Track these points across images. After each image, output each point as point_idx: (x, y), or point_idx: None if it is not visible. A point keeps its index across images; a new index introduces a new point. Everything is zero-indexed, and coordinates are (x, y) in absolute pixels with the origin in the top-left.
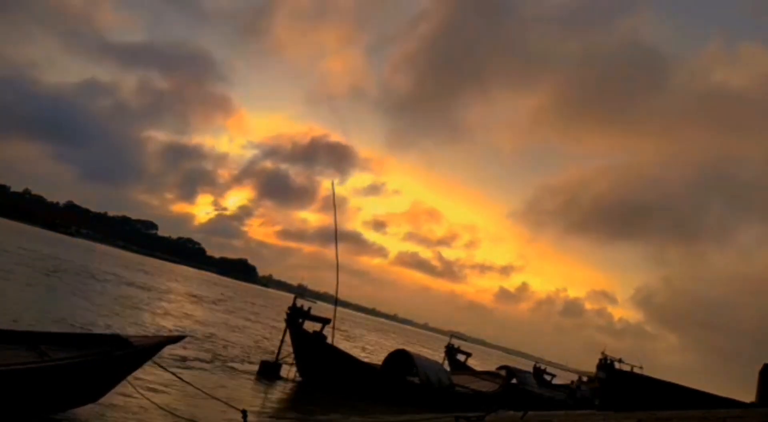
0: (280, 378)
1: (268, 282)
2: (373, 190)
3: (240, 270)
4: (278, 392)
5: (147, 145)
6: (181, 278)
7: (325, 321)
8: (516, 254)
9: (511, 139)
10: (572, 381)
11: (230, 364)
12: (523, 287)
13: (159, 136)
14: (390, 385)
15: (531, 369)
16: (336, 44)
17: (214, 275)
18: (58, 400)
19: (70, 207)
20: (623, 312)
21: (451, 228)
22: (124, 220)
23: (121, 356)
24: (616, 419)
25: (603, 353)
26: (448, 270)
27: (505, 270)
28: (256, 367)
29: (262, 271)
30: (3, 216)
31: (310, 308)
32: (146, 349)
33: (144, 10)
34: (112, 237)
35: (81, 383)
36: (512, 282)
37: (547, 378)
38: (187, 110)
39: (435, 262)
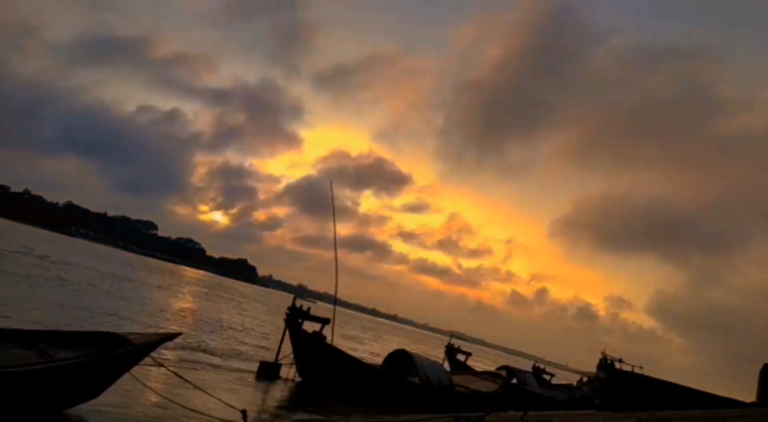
0: (280, 378)
1: (268, 282)
2: (416, 208)
3: (240, 270)
4: (278, 392)
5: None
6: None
7: (324, 321)
8: (540, 264)
9: (552, 166)
10: (578, 381)
11: (230, 364)
12: (542, 292)
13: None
14: (390, 385)
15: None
16: (406, 86)
17: (214, 275)
18: (59, 399)
19: (70, 207)
20: (637, 317)
21: (483, 242)
22: (124, 220)
23: (121, 354)
24: (616, 419)
25: (603, 353)
26: (467, 278)
27: (527, 277)
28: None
29: (262, 271)
30: (3, 216)
31: (309, 308)
32: (144, 347)
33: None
34: (111, 237)
35: (82, 381)
36: (530, 288)
37: (546, 377)
38: (252, 138)
39: (456, 270)
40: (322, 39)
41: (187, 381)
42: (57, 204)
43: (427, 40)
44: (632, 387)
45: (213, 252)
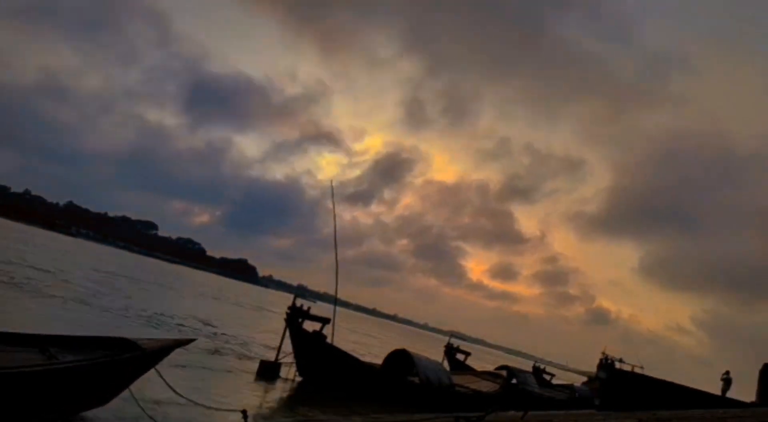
0: (280, 377)
1: (268, 282)
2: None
3: (240, 270)
4: (278, 392)
5: None
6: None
7: (324, 321)
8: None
9: None
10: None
11: (231, 364)
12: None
13: None
14: (390, 385)
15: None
16: None
17: (214, 275)
18: (66, 403)
19: (70, 207)
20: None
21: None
22: (124, 220)
23: (129, 359)
24: (616, 419)
25: (603, 353)
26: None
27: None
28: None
29: (262, 271)
30: (3, 216)
31: (309, 308)
32: (155, 352)
33: None
34: (112, 237)
35: (89, 386)
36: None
37: (546, 377)
38: None
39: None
40: None
41: (186, 380)
42: (57, 204)
43: None
44: (632, 387)
45: (213, 252)
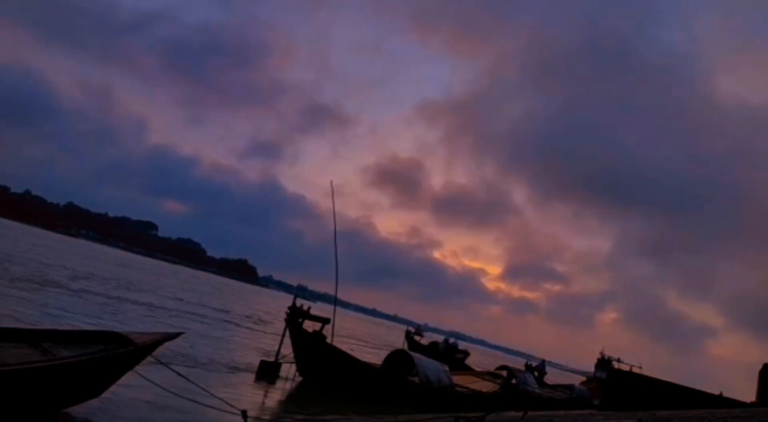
0: (280, 377)
1: (268, 282)
2: None
3: (240, 271)
4: (278, 392)
5: None
6: None
7: (324, 321)
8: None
9: None
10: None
11: (231, 363)
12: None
13: None
14: (390, 385)
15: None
16: None
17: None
18: (61, 398)
19: (70, 207)
20: None
21: None
22: (124, 221)
23: (123, 353)
24: (616, 419)
25: (601, 352)
26: None
27: None
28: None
29: (261, 272)
30: (3, 216)
31: (309, 308)
32: (146, 346)
33: None
34: (112, 237)
35: (83, 380)
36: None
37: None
38: None
39: None
40: None
41: (187, 380)
42: (58, 204)
43: None
44: (632, 387)
45: (213, 252)
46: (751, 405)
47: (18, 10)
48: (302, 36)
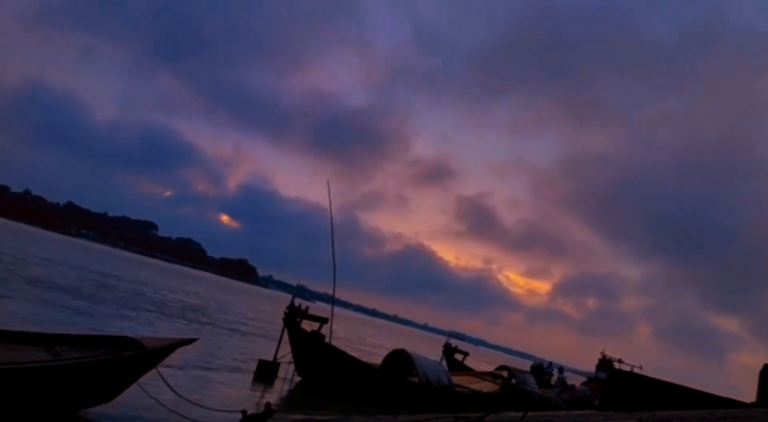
0: (278, 377)
1: (268, 282)
2: None
3: (240, 271)
4: (277, 391)
5: None
6: None
7: (323, 321)
8: None
9: None
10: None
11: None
12: None
13: None
14: (390, 385)
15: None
16: None
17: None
18: (72, 399)
19: (70, 207)
20: None
21: None
22: (124, 221)
23: (132, 356)
24: (616, 419)
25: (602, 353)
26: None
27: None
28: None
29: (261, 272)
30: (3, 216)
31: (308, 307)
32: (158, 351)
33: None
34: (112, 237)
35: (93, 382)
36: None
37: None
38: None
39: None
40: None
41: (187, 380)
42: (57, 204)
43: None
44: (632, 387)
45: (213, 252)
46: (751, 405)
47: None
48: None
